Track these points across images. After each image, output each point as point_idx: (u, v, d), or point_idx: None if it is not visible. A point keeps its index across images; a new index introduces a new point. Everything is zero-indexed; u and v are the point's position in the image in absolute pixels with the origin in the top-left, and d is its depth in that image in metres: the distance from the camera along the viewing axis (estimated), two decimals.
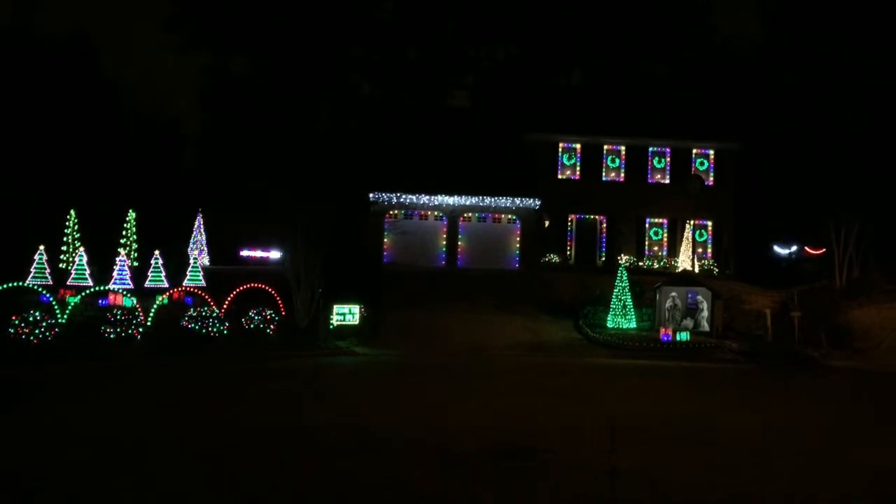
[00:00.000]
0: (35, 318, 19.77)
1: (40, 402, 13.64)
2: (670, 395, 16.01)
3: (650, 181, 36.05)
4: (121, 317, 21.16)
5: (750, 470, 9.51)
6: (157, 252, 25.56)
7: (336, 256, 26.10)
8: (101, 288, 23.91)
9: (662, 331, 25.07)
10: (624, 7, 46.47)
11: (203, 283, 25.65)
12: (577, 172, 36.01)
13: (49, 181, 35.46)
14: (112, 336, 20.70)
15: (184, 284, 25.17)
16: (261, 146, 28.19)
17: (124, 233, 30.94)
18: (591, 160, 35.93)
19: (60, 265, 28.57)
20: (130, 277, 24.84)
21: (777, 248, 38.32)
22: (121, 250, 29.12)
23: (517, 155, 35.71)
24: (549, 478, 8.91)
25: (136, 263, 29.24)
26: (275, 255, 32.49)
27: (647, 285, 28.10)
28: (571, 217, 36.10)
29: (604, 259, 35.56)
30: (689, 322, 26.24)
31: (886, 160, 29.93)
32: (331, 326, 24.30)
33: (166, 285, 24.97)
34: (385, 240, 34.63)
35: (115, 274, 24.57)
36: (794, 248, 36.51)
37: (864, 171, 29.87)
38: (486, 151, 35.75)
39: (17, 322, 19.51)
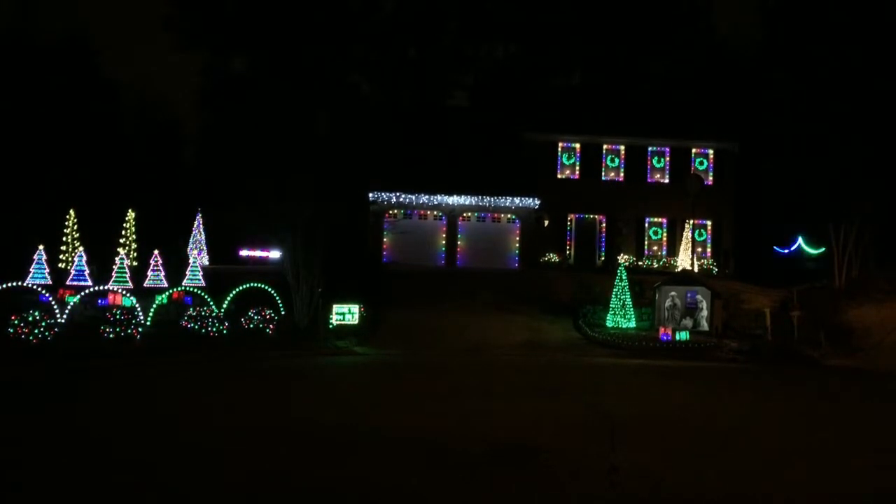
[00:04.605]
0: (34, 317, 19.77)
1: (39, 402, 13.64)
2: (670, 394, 16.01)
3: (649, 181, 36.08)
4: (120, 316, 21.16)
5: (751, 469, 9.51)
6: (156, 252, 25.54)
7: (335, 256, 26.09)
8: (101, 287, 23.90)
9: (662, 330, 25.06)
10: (623, 7, 46.49)
11: (202, 282, 25.65)
12: (577, 172, 36.04)
13: (49, 181, 35.48)
14: (111, 336, 20.70)
15: (183, 284, 25.16)
16: (260, 146, 28.20)
17: (124, 232, 30.94)
18: (591, 160, 35.96)
19: (60, 265, 28.56)
20: (130, 277, 24.82)
21: (776, 248, 38.33)
22: (120, 250, 29.12)
23: (516, 155, 35.70)
24: (550, 477, 8.91)
25: (135, 263, 29.24)
26: (274, 254, 32.48)
27: (646, 285, 28.10)
28: (571, 217, 36.12)
29: (603, 258, 35.57)
30: (688, 321, 26.24)
31: (886, 160, 29.92)
32: (330, 326, 24.29)
33: (166, 285, 24.97)
34: (385, 239, 34.65)
35: (114, 273, 24.57)
36: (793, 247, 36.50)
37: (863, 170, 29.87)
38: (485, 151, 35.75)
39: (16, 322, 19.51)
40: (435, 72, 47.98)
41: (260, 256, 34.59)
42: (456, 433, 11.09)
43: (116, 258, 25.24)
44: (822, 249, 33.33)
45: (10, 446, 9.97)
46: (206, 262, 32.40)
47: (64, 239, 29.73)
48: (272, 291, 24.87)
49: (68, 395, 14.50)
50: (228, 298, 24.16)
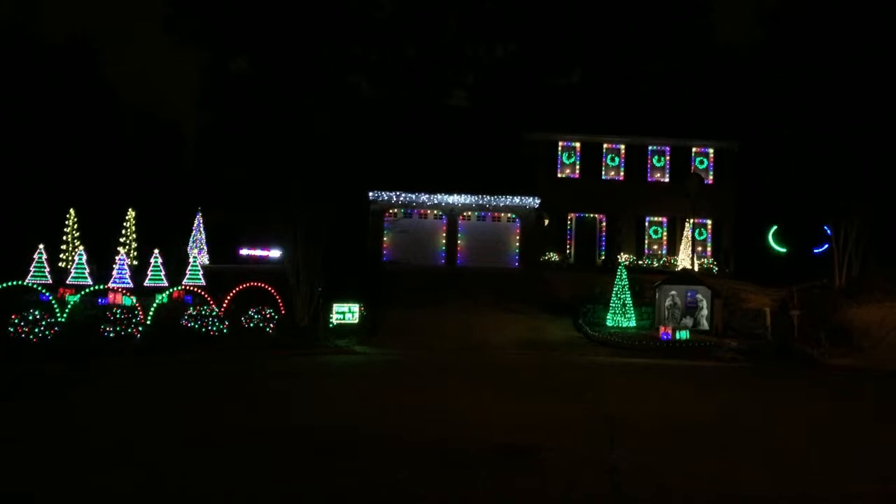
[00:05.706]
0: (35, 316, 19.76)
1: (39, 402, 13.64)
2: (670, 394, 16.00)
3: (650, 180, 36.11)
4: (120, 316, 21.14)
5: (751, 468, 9.50)
6: (156, 251, 25.55)
7: (336, 255, 26.12)
8: (101, 287, 23.90)
9: (662, 329, 25.07)
10: (623, 7, 46.52)
11: (202, 281, 25.66)
12: (577, 171, 36.06)
13: (49, 180, 35.49)
14: (112, 335, 20.69)
15: (183, 283, 25.17)
16: (260, 145, 28.19)
17: (124, 232, 30.96)
18: (591, 159, 36.00)
19: (60, 264, 28.60)
20: (130, 276, 24.83)
21: (777, 247, 38.31)
22: (120, 249, 29.13)
23: (517, 154, 35.73)
24: (550, 477, 8.90)
25: (135, 262, 29.27)
26: (274, 253, 32.51)
27: (646, 284, 28.11)
28: (571, 216, 36.14)
29: (603, 258, 35.59)
30: (688, 320, 26.25)
31: (886, 160, 29.90)
32: (330, 325, 24.31)
33: (166, 284, 24.97)
34: (385, 238, 34.68)
35: (114, 273, 24.57)
36: (793, 246, 36.48)
37: (863, 170, 29.85)
38: (485, 150, 35.80)
39: (16, 321, 19.50)
40: (435, 71, 47.99)
41: (260, 256, 34.61)
42: (456, 432, 11.08)
43: (116, 258, 25.25)
44: (825, 246, 33.05)
45: (11, 446, 9.98)
46: (206, 261, 32.44)
47: (64, 238, 29.75)
48: (272, 291, 24.87)
49: (68, 395, 14.49)
50: (228, 298, 24.16)
